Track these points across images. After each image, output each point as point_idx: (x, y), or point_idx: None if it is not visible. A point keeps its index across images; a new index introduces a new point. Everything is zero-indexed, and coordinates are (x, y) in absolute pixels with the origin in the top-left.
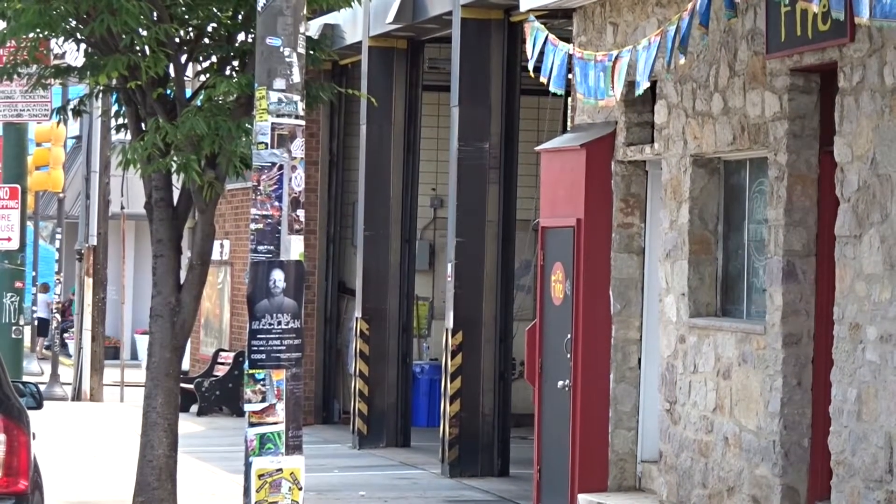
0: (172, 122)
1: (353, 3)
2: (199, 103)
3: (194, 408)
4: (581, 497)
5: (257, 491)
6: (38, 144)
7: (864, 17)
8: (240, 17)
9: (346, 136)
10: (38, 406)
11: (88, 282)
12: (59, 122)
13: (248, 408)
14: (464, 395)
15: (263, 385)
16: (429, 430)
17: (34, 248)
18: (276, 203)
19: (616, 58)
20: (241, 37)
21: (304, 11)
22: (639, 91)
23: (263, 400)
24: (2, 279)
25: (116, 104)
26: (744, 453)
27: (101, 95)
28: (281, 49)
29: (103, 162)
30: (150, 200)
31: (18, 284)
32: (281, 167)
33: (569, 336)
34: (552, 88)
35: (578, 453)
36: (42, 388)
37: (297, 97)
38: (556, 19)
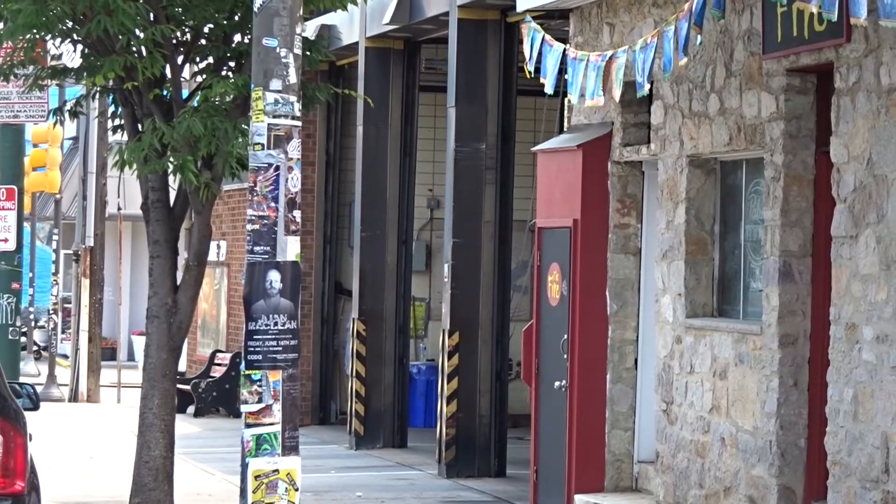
0: (169, 122)
1: (348, 5)
2: (195, 104)
3: (191, 409)
4: (578, 497)
5: (254, 492)
6: (35, 145)
7: (862, 17)
8: (236, 17)
9: (342, 136)
10: (35, 407)
11: (85, 283)
12: (55, 123)
13: (244, 409)
14: (460, 395)
15: (260, 386)
16: (425, 430)
17: (31, 250)
18: (273, 204)
19: (611, 58)
20: (237, 38)
21: (301, 12)
22: (641, 93)
23: (260, 401)
24: None
25: (113, 105)
26: (740, 453)
27: (97, 96)
28: (277, 50)
29: (100, 163)
30: (147, 201)
31: (15, 286)
32: (277, 168)
33: (565, 337)
34: (549, 89)
35: (575, 454)
36: (39, 389)
37: (293, 98)
38: (553, 20)
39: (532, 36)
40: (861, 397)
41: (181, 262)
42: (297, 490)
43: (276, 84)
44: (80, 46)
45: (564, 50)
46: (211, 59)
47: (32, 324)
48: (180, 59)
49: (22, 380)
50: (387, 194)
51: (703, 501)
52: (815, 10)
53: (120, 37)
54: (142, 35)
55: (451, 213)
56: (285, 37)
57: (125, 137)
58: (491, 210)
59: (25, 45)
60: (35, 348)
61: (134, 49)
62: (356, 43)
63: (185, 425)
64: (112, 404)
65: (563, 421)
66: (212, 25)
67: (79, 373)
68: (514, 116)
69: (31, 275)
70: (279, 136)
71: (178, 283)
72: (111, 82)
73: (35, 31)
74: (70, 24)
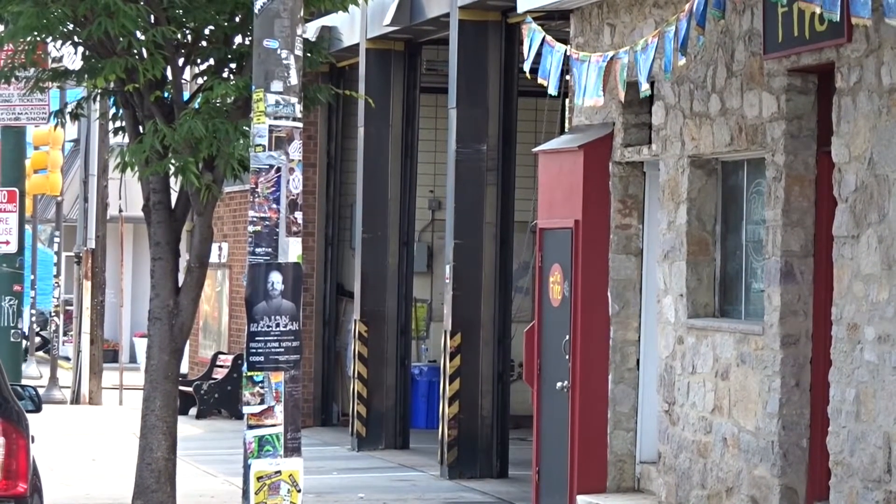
0: (170, 124)
1: (349, 6)
2: (196, 106)
3: (193, 410)
4: (580, 498)
5: (256, 493)
6: (36, 148)
7: (866, 16)
8: (237, 19)
9: (343, 138)
10: (37, 409)
11: (87, 285)
12: (56, 126)
13: (246, 410)
14: (462, 396)
15: (262, 387)
16: (427, 431)
17: (32, 252)
18: (274, 205)
19: (612, 59)
20: (238, 39)
21: (302, 14)
22: (643, 93)
23: (262, 402)
24: (0, 283)
25: (114, 107)
26: (742, 454)
27: (98, 98)
28: (278, 51)
29: (101, 165)
30: (148, 203)
31: (17, 288)
32: (279, 169)
33: (567, 337)
34: (552, 91)
35: (577, 454)
36: (41, 391)
37: (294, 99)
38: (554, 21)
39: (532, 37)
40: (863, 397)
41: (183, 263)
42: (299, 491)
43: (277, 85)
44: (80, 48)
45: (566, 51)
46: (212, 61)
47: (36, 328)
48: (181, 61)
49: (24, 382)
50: (388, 196)
51: (706, 502)
52: (817, 10)
53: (121, 39)
54: (143, 37)
55: (453, 215)
56: (286, 38)
57: (126, 139)
58: (492, 211)
59: (26, 47)
60: (41, 342)
61: (135, 51)
62: (357, 44)
63: (187, 427)
64: (114, 406)
65: (564, 422)
66: (212, 27)
67: (81, 375)
68: (515, 117)
69: (32, 277)
70: (280, 138)
71: (180, 284)
72: (112, 84)
73: (36, 33)
74: (71, 26)
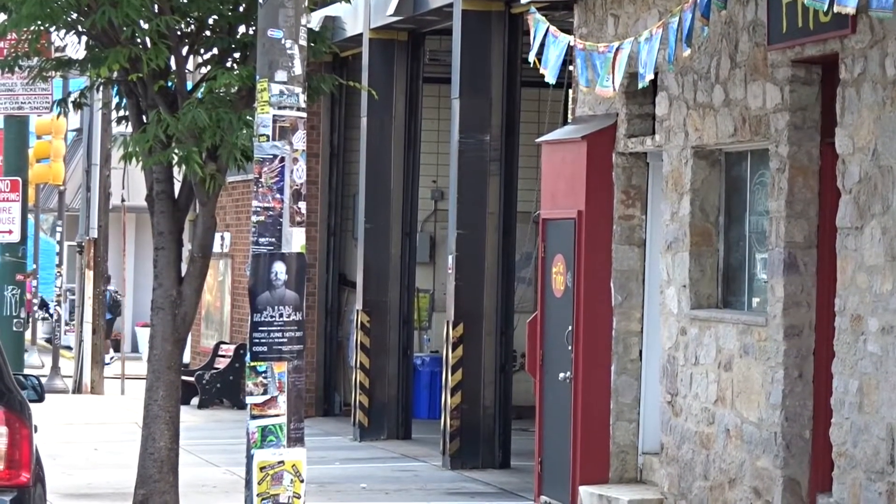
0: (174, 114)
1: None
2: (200, 95)
3: (195, 400)
4: (582, 489)
5: (259, 483)
6: (39, 137)
7: (849, 7)
8: (241, 8)
9: (346, 128)
10: (40, 399)
11: (89, 274)
12: (59, 115)
13: (249, 400)
14: (465, 387)
15: (265, 377)
16: (430, 422)
17: (35, 241)
18: (278, 195)
19: (617, 49)
20: (242, 29)
21: (306, 3)
22: (643, 83)
23: (265, 392)
24: (3, 272)
25: (117, 96)
26: (745, 445)
27: (101, 88)
28: (282, 41)
29: (104, 154)
30: (152, 193)
31: (19, 277)
32: (282, 159)
33: (570, 328)
34: (548, 79)
35: (580, 445)
36: (43, 380)
37: (298, 89)
38: (557, 11)
39: (537, 27)
40: (866, 389)
41: (185, 253)
42: (302, 481)
43: (281, 75)
44: (84, 38)
45: (569, 41)
46: (215, 51)
47: (37, 315)
48: (185, 51)
49: (26, 371)
50: (391, 186)
51: (708, 493)
52: (807, 2)
53: (124, 28)
54: (146, 26)
55: (455, 205)
56: (290, 28)
57: (129, 129)
58: (495, 201)
59: (30, 36)
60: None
61: (138, 40)
62: (360, 34)
63: (189, 417)
64: (116, 396)
65: (567, 412)
66: (216, 17)
67: (83, 364)
68: (518, 108)
69: (34, 266)
70: (284, 128)
71: (183, 274)
72: (115, 74)
73: (39, 22)
74: (74, 15)
